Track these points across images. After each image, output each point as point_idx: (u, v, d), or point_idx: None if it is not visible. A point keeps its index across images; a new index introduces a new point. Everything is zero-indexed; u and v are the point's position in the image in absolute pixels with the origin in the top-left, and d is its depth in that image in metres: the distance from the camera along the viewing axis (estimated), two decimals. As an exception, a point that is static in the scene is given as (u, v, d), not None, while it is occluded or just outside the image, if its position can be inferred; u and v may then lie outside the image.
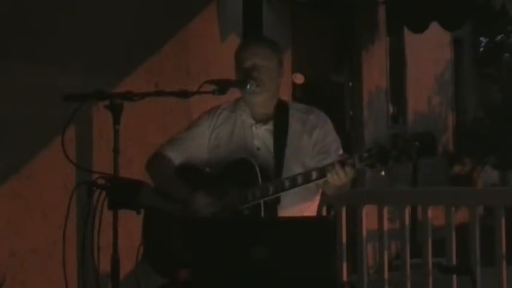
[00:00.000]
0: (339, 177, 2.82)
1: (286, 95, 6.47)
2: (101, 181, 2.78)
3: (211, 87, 2.96)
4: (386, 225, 5.19)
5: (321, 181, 2.94)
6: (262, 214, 2.92)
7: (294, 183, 2.90)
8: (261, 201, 2.93)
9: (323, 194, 3.27)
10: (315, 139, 3.11)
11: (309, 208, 3.15)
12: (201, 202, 2.97)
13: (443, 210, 5.12)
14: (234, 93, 3.16)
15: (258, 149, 3.10)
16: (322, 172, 2.85)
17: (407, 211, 5.17)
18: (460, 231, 5.02)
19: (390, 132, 8.81)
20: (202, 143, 3.20)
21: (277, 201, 2.98)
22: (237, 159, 3.03)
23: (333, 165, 2.82)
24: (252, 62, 3.09)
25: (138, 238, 3.22)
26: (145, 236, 3.17)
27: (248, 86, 3.05)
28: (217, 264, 2.49)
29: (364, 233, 5.20)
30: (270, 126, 3.14)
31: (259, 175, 2.95)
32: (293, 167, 3.01)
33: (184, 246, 2.86)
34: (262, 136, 3.13)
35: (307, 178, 2.89)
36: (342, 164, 2.81)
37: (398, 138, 2.80)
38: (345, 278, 5.24)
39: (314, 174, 2.87)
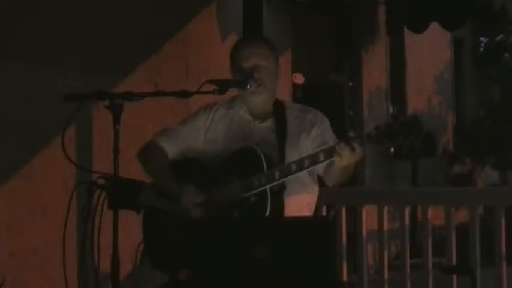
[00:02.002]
0: (346, 157, 2.77)
1: (286, 95, 6.49)
2: (101, 181, 2.78)
3: (211, 87, 2.96)
4: (386, 225, 5.19)
5: (322, 168, 2.94)
6: (269, 201, 2.89)
7: (300, 166, 2.86)
8: (268, 189, 2.91)
9: (322, 194, 3.27)
10: (313, 136, 3.11)
11: (308, 205, 3.15)
12: (189, 200, 2.95)
13: (443, 210, 5.13)
14: (233, 92, 3.16)
15: (257, 144, 3.09)
16: (329, 152, 2.81)
17: (407, 211, 5.17)
18: (460, 231, 5.01)
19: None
20: (197, 136, 3.19)
21: (283, 188, 2.97)
22: (241, 148, 3.01)
23: (339, 144, 2.79)
24: (252, 62, 3.08)
25: (138, 238, 3.22)
26: (146, 236, 3.16)
27: (248, 86, 3.05)
28: (217, 264, 2.49)
29: (364, 233, 5.19)
30: (268, 123, 3.14)
31: (264, 162, 2.92)
32: None
33: (184, 245, 2.86)
34: (260, 133, 3.13)
35: (314, 160, 2.85)
36: (349, 141, 2.78)
37: (405, 116, 2.78)
38: (345, 278, 5.24)
39: (321, 156, 2.83)
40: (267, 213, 2.89)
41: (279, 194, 2.95)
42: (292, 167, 2.89)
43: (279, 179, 2.90)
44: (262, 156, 2.94)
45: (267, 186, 2.90)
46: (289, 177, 2.91)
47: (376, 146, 2.76)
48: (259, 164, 2.92)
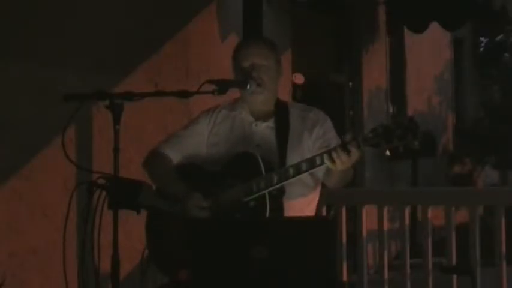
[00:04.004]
0: (342, 161, 2.79)
1: (286, 95, 6.48)
2: (101, 181, 2.78)
3: (211, 87, 2.96)
4: (386, 225, 5.19)
5: (322, 171, 2.94)
6: (268, 206, 2.90)
7: (298, 170, 2.88)
8: (266, 193, 2.91)
9: (323, 194, 3.27)
10: (315, 136, 3.11)
11: (309, 206, 3.15)
12: (196, 205, 2.97)
13: (443, 210, 5.13)
14: (233, 93, 3.16)
15: (258, 145, 3.09)
16: (326, 156, 2.83)
17: (407, 211, 5.17)
18: (460, 231, 5.02)
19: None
20: (200, 140, 3.19)
21: (282, 192, 2.97)
22: (239, 153, 3.02)
23: (336, 148, 2.80)
24: (251, 62, 3.09)
25: (138, 238, 3.22)
26: (150, 237, 3.16)
27: (248, 86, 3.05)
28: (217, 264, 2.49)
29: (364, 233, 5.20)
30: (270, 123, 3.14)
31: (262, 167, 2.93)
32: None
33: (185, 246, 2.86)
34: (262, 133, 3.13)
35: (311, 164, 2.86)
36: (345, 145, 2.79)
37: (402, 117, 2.78)
38: (345, 278, 5.24)
39: (318, 160, 2.85)
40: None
41: (278, 198, 2.95)
42: (289, 171, 2.90)
43: (277, 184, 2.91)
44: (260, 160, 2.94)
45: (266, 191, 2.91)
46: (287, 181, 2.92)
47: (373, 148, 2.77)
48: (257, 168, 2.93)
